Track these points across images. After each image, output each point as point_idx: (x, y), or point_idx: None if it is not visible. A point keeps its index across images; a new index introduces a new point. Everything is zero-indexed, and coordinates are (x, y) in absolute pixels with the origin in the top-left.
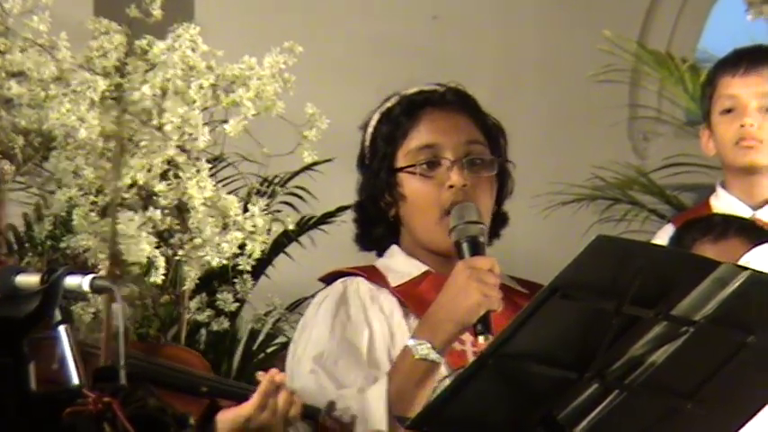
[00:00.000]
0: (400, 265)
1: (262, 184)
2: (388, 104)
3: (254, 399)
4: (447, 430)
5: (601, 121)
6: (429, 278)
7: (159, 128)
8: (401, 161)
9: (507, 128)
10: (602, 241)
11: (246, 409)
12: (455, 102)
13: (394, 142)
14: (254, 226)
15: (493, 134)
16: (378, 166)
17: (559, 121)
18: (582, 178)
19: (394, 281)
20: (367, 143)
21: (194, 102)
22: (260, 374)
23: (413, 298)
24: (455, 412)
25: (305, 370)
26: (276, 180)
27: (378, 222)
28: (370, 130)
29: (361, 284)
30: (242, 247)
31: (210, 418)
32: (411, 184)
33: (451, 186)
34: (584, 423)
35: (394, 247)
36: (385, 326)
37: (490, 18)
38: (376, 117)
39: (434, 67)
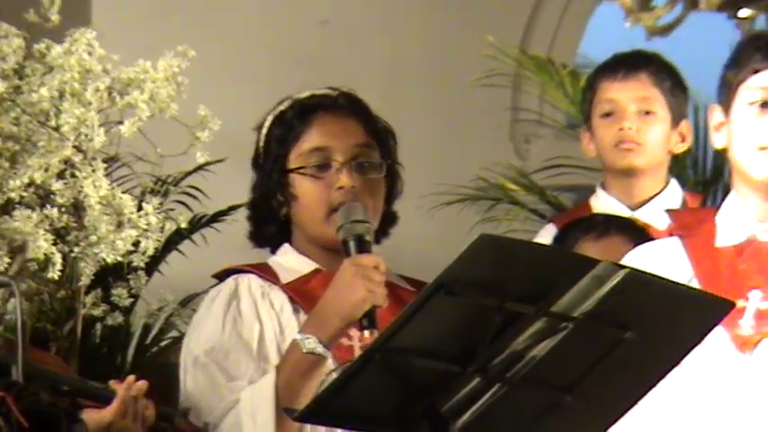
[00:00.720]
0: (291, 262)
1: (155, 184)
2: (282, 108)
3: (115, 405)
4: (334, 422)
5: (484, 123)
6: (319, 275)
7: (56, 128)
8: (293, 162)
9: (394, 130)
10: (485, 240)
11: (109, 413)
12: (346, 106)
13: (286, 144)
14: (147, 224)
15: (382, 137)
16: (270, 167)
17: (445, 124)
18: (466, 179)
19: (285, 278)
20: (261, 144)
21: (90, 103)
22: (113, 383)
23: (303, 294)
24: (342, 405)
25: (197, 363)
26: (169, 179)
27: (270, 221)
28: (263, 131)
29: (252, 281)
30: (136, 244)
31: None
32: (302, 185)
33: (341, 188)
34: (467, 415)
35: (286, 246)
36: (275, 321)
37: (378, 23)
38: (270, 119)
39: (324, 71)
